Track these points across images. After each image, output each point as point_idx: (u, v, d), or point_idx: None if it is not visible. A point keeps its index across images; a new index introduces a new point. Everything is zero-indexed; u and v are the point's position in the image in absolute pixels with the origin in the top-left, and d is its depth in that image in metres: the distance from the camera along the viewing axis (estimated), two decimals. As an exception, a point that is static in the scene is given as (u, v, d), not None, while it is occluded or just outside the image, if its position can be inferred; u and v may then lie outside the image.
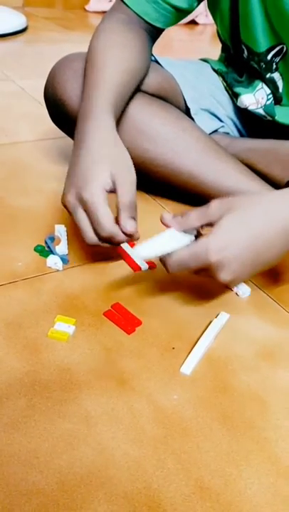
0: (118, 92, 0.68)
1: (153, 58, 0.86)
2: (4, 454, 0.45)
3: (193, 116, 0.86)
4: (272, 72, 0.81)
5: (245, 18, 0.77)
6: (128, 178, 0.61)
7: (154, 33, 0.81)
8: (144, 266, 0.69)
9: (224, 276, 0.55)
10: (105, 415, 0.50)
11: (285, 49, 0.77)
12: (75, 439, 0.47)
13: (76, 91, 0.77)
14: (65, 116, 0.81)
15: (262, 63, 0.81)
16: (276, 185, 0.81)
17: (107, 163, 0.61)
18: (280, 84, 0.82)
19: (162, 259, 0.58)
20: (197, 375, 0.56)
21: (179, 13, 0.79)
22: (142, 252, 0.58)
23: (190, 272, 0.58)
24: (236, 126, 0.93)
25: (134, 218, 0.62)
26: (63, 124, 0.84)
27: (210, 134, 0.88)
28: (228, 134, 0.93)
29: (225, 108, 0.91)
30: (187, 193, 0.83)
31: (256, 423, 0.51)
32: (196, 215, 0.57)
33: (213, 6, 0.84)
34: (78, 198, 0.60)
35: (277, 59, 0.79)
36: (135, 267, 0.69)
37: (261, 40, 0.78)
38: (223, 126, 0.91)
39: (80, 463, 0.45)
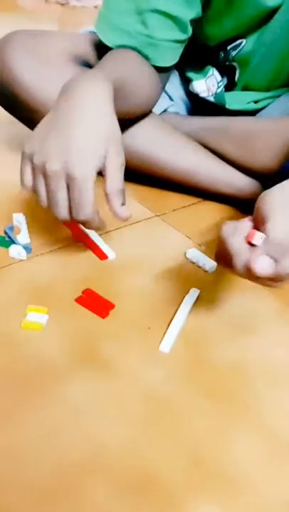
0: (117, 76, 0.64)
1: None
2: (-7, 452, 0.44)
3: None
4: (230, 62, 0.81)
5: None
6: (119, 162, 0.57)
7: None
8: (112, 255, 0.68)
9: None
10: (91, 401, 0.49)
11: (242, 44, 0.78)
12: (64, 428, 0.47)
13: (27, 67, 0.73)
14: (14, 96, 0.76)
15: (221, 52, 0.81)
16: (230, 162, 0.82)
17: (104, 142, 0.56)
18: (237, 72, 0.83)
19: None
20: (176, 352, 0.56)
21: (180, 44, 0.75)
22: None
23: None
24: (186, 106, 0.93)
25: (124, 203, 0.58)
26: (12, 106, 0.79)
27: (160, 113, 0.87)
28: (177, 113, 0.93)
29: (176, 88, 0.90)
30: (144, 174, 0.83)
31: (239, 392, 0.52)
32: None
33: None
34: (65, 168, 0.54)
35: (234, 53, 0.79)
36: (102, 255, 0.68)
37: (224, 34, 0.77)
38: (172, 105, 0.90)
39: (73, 451, 0.45)
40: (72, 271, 0.66)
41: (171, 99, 0.89)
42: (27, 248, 0.67)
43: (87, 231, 0.71)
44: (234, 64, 0.82)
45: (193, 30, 0.75)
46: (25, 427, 0.46)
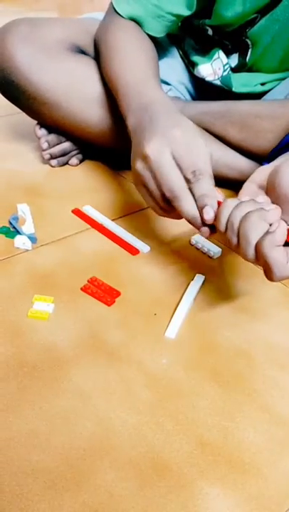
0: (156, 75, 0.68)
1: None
2: (2, 439, 0.44)
3: None
4: (246, 38, 0.80)
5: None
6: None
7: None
8: (146, 248, 0.68)
9: None
10: (98, 387, 0.50)
11: (257, 19, 0.77)
12: (72, 414, 0.47)
13: (27, 56, 0.74)
14: (15, 85, 0.76)
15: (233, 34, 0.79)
16: (233, 146, 0.82)
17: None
18: (249, 51, 0.81)
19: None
20: (182, 338, 0.56)
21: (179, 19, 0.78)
22: None
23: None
24: (189, 92, 0.93)
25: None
26: (12, 94, 0.80)
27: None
28: (178, 98, 0.92)
29: (177, 73, 0.89)
30: None
31: (245, 376, 0.53)
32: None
33: None
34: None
35: (248, 27, 0.78)
36: (133, 251, 0.68)
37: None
38: (170, 90, 0.89)
39: (81, 437, 0.45)
40: (77, 260, 0.66)
41: (167, 84, 0.88)
42: (32, 238, 0.67)
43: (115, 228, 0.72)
44: (247, 41, 0.80)
45: (207, 19, 0.76)
46: (33, 413, 0.47)
